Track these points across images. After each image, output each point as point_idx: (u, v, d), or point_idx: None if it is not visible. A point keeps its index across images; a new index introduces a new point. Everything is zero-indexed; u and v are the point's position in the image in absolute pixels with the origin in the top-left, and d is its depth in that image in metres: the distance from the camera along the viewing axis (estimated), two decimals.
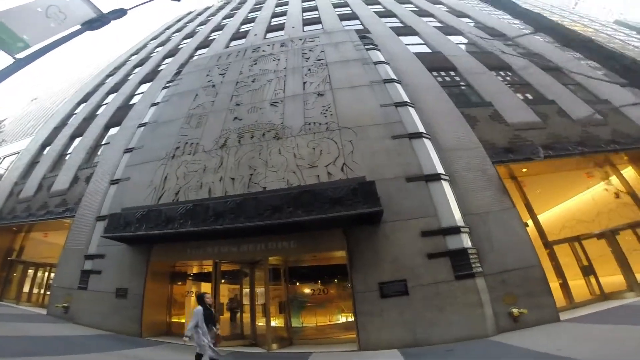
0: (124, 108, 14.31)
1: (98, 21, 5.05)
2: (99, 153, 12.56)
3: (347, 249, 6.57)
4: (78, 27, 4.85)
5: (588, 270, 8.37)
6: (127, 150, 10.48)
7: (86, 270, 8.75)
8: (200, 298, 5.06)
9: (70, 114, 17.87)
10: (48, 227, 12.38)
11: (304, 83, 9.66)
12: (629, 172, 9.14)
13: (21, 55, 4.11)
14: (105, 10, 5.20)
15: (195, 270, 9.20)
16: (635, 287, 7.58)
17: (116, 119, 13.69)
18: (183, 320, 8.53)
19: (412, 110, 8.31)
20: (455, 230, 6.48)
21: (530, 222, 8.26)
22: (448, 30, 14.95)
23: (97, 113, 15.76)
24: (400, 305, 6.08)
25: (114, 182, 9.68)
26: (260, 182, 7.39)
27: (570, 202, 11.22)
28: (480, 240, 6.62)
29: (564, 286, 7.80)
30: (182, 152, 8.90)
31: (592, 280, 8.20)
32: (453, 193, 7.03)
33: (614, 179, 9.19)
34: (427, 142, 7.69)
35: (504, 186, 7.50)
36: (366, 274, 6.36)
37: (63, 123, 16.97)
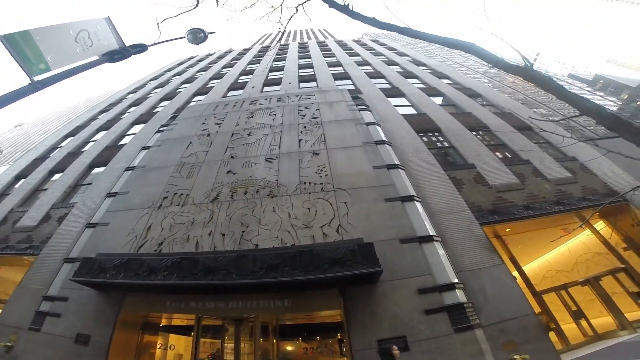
0: (113, 148, 13.99)
1: (120, 53, 4.98)
2: (78, 193, 11.88)
3: (344, 307, 6.42)
4: (98, 57, 4.75)
5: (578, 314, 8.64)
6: (110, 195, 9.99)
7: (42, 312, 7.81)
8: None
9: (54, 147, 17.24)
10: (3, 262, 11.12)
11: (300, 140, 9.92)
12: (600, 225, 9.81)
13: (39, 77, 3.89)
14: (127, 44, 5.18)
15: (171, 322, 8.43)
16: (627, 325, 7.79)
17: (102, 159, 13.27)
18: None
19: (402, 172, 8.63)
20: (450, 286, 6.57)
21: (516, 274, 8.57)
22: (431, 91, 16.32)
23: (84, 150, 15.29)
24: None
25: (90, 225, 9.08)
26: (253, 239, 7.13)
27: (549, 255, 11.74)
28: (475, 295, 6.75)
29: (558, 330, 7.94)
30: (170, 202, 8.55)
31: (584, 323, 8.45)
32: (445, 253, 7.19)
33: (587, 232, 9.81)
34: (419, 205, 7.89)
35: (492, 245, 7.80)
36: (364, 331, 6.14)
37: (45, 155, 16.25)
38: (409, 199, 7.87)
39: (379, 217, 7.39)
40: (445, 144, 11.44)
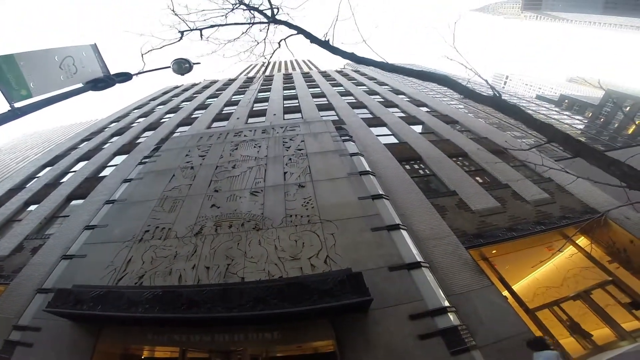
0: (93, 180, 13.60)
1: (104, 82, 4.85)
2: (54, 224, 11.35)
3: (336, 338, 6.22)
4: (81, 84, 4.61)
5: (575, 328, 8.67)
6: (89, 227, 9.59)
7: (12, 341, 7.18)
8: None
9: (31, 177, 16.64)
10: None
11: (285, 173, 10.01)
12: (582, 240, 10.18)
13: (19, 104, 3.70)
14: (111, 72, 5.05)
15: (153, 354, 7.80)
16: (626, 335, 7.88)
17: (82, 191, 12.84)
18: None
19: (387, 202, 8.81)
20: (442, 310, 6.53)
21: (507, 293, 8.67)
22: (411, 119, 17.11)
23: (62, 181, 14.79)
24: None
25: (66, 257, 8.62)
26: (239, 272, 6.91)
27: (537, 273, 11.96)
28: (468, 317, 6.71)
29: (557, 345, 7.88)
30: (151, 235, 8.26)
31: (581, 336, 8.46)
32: (434, 277, 7.23)
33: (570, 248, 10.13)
34: (405, 233, 8.00)
35: (479, 267, 7.94)
36: None
37: (21, 186, 15.60)
38: (395, 227, 7.98)
39: (366, 246, 7.40)
40: (427, 172, 11.85)
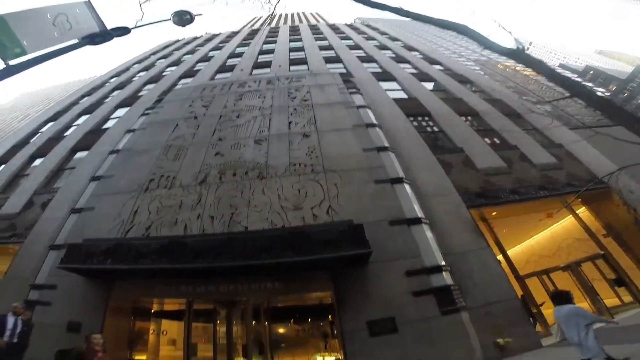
0: (96, 132, 13.44)
1: (101, 36, 4.80)
2: (61, 177, 11.45)
3: (334, 289, 6.44)
4: (77, 40, 4.60)
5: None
6: (95, 178, 9.63)
7: (31, 301, 7.51)
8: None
9: (34, 132, 16.49)
10: None
11: (290, 123, 9.72)
12: (582, 211, 10.13)
13: (15, 61, 3.78)
14: (108, 27, 4.97)
15: (163, 307, 8.34)
16: (604, 311, 8.16)
17: (86, 143, 12.76)
18: (144, 358, 7.56)
19: (392, 155, 8.61)
20: (437, 269, 6.66)
21: (501, 257, 8.74)
22: (422, 76, 16.18)
23: (65, 134, 14.67)
24: (390, 343, 5.91)
25: (75, 210, 8.74)
26: (242, 221, 7.01)
27: (533, 240, 12.15)
28: (462, 277, 6.87)
29: (539, 315, 8.20)
30: (156, 185, 8.30)
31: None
32: (433, 235, 7.26)
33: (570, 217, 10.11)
34: (408, 187, 7.92)
35: (478, 228, 7.94)
36: (354, 313, 6.20)
37: (25, 141, 15.54)
38: (399, 181, 7.86)
39: (368, 198, 7.37)
40: (435, 129, 11.45)
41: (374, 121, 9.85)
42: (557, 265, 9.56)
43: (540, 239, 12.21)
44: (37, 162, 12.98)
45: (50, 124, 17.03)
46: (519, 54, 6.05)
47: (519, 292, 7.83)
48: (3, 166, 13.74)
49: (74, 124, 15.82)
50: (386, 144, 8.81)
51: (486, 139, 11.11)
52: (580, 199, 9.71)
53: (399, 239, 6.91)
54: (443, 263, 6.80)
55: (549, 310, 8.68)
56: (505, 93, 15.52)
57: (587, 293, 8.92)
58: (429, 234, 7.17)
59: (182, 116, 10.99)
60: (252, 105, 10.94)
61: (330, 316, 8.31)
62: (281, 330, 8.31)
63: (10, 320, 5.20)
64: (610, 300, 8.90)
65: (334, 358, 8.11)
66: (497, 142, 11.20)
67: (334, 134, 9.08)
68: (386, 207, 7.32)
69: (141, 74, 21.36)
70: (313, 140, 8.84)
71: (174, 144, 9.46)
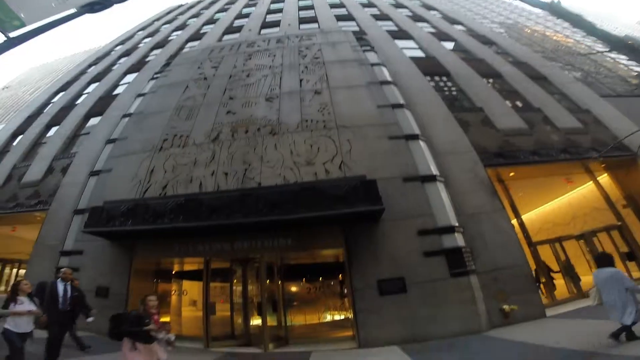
0: (107, 98, 13.68)
1: (100, 4, 4.61)
2: (77, 143, 11.90)
3: (346, 246, 6.59)
4: (75, 9, 4.46)
5: (569, 270, 8.86)
6: (110, 141, 9.98)
7: (61, 268, 8.17)
8: None
9: (46, 103, 16.92)
10: (17, 220, 11.51)
11: (301, 80, 9.58)
12: (604, 178, 9.83)
13: (15, 34, 3.80)
14: None
15: (183, 268, 8.86)
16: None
17: (98, 109, 13.06)
18: (168, 320, 8.14)
19: (407, 112, 8.44)
20: (450, 229, 6.67)
21: (515, 222, 8.63)
22: (441, 36, 15.36)
23: (77, 102, 15.00)
24: (398, 303, 6.15)
25: (94, 173, 9.17)
26: (255, 177, 7.20)
27: (549, 206, 11.98)
28: (474, 239, 6.87)
29: (547, 284, 8.21)
30: (170, 144, 8.55)
31: (571, 280, 8.71)
32: (447, 194, 7.21)
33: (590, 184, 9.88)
34: (423, 144, 7.83)
35: (494, 189, 7.82)
36: (365, 271, 6.41)
37: (38, 112, 16.04)
38: (414, 137, 7.78)
39: (382, 154, 7.35)
40: (454, 88, 11.08)
41: (389, 78, 9.58)
42: (571, 234, 9.39)
43: (556, 206, 11.94)
44: (53, 130, 13.40)
45: (61, 94, 17.38)
46: (554, 8, 5.64)
47: (530, 260, 7.78)
48: (20, 136, 14.38)
49: (84, 92, 16.08)
50: (401, 101, 8.61)
51: (508, 101, 10.74)
52: (603, 165, 9.48)
53: (412, 196, 6.92)
54: (456, 224, 6.80)
55: (559, 281, 8.84)
56: (531, 56, 14.71)
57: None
58: (443, 193, 7.14)
59: (191, 78, 11.01)
60: (262, 65, 10.78)
61: (340, 275, 8.64)
62: (293, 289, 8.69)
63: (61, 287, 5.01)
64: None
65: (343, 316, 8.57)
66: (520, 104, 10.83)
67: (346, 91, 8.93)
68: (400, 163, 7.29)
69: (146, 40, 21.12)
70: (325, 97, 8.73)
71: (185, 105, 9.58)
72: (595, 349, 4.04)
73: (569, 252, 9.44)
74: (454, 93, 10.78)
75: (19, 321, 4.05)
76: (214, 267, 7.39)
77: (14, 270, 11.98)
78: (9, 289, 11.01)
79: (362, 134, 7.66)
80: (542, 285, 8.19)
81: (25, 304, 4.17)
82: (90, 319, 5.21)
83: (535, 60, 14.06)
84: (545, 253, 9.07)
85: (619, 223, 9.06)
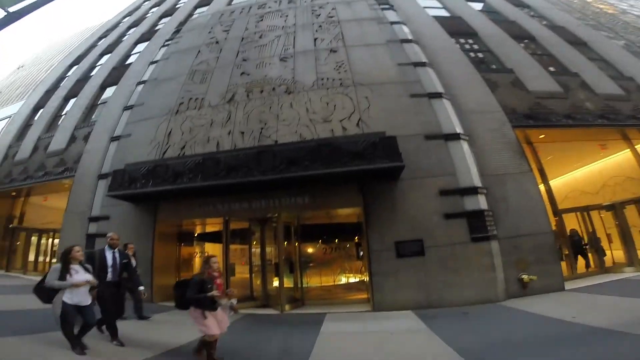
0: (120, 68, 13.98)
1: None
2: (95, 112, 12.39)
3: (364, 205, 6.63)
4: None
5: (593, 243, 8.62)
6: (127, 108, 10.36)
7: (91, 234, 8.79)
8: None
9: (62, 77, 17.57)
10: (47, 189, 12.35)
11: (315, 39, 9.44)
12: None
13: (14, 8, 3.92)
14: None
15: (204, 229, 9.30)
16: (635, 261, 7.88)
17: (112, 79, 13.43)
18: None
19: (430, 71, 8.22)
20: (473, 190, 6.56)
21: (542, 187, 8.33)
22: None
23: (91, 74, 15.46)
24: (415, 266, 6.18)
25: (114, 139, 9.63)
26: (272, 135, 7.33)
27: (578, 172, 11.59)
28: (497, 202, 6.73)
29: (568, 256, 8.06)
30: (186, 107, 8.78)
31: (593, 253, 8.49)
32: (472, 154, 7.08)
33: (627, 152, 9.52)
34: (447, 103, 7.65)
35: (522, 150, 7.61)
36: (382, 232, 6.45)
37: (55, 86, 16.72)
38: (437, 95, 7.60)
39: (402, 112, 7.25)
40: (482, 49, 10.62)
41: (410, 37, 9.24)
42: (600, 204, 9.03)
43: (586, 173, 11.45)
44: (71, 102, 13.96)
45: (74, 67, 17.90)
46: None
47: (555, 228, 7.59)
48: (41, 110, 15.12)
49: (97, 64, 16.50)
50: (424, 60, 8.37)
51: (542, 64, 10.23)
52: None
53: (434, 155, 6.84)
54: (479, 184, 6.66)
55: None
56: (570, 21, 13.77)
57: (624, 240, 8.33)
58: (467, 152, 6.99)
59: (203, 43, 11.04)
60: (275, 25, 10.63)
61: (357, 237, 8.79)
62: (310, 250, 8.97)
63: (109, 256, 4.54)
64: None
65: (358, 279, 8.77)
66: (555, 68, 10.26)
67: (363, 49, 8.73)
68: (422, 121, 7.18)
69: (154, 9, 21.08)
70: (341, 55, 8.60)
71: (198, 69, 9.70)
72: (612, 326, 3.99)
73: (597, 224, 9.10)
74: (482, 54, 10.35)
75: (76, 292, 3.69)
76: (233, 227, 7.68)
77: (50, 241, 12.95)
78: (55, 258, 11.13)
79: (381, 91, 7.55)
80: (564, 257, 7.99)
81: (80, 273, 3.80)
82: (141, 288, 5.01)
83: (574, 25, 13.21)
84: (570, 223, 8.82)
85: None
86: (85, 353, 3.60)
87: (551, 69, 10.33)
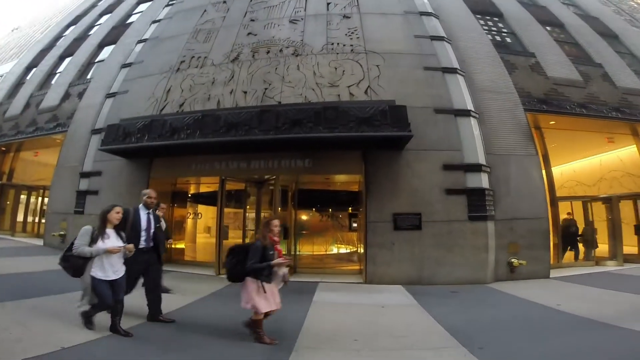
0: (120, 27, 13.82)
1: None
2: (92, 70, 12.32)
3: (365, 173, 6.72)
4: None
5: (589, 234, 8.79)
6: (125, 66, 10.34)
7: (82, 191, 8.84)
8: None
9: (58, 37, 17.37)
10: (38, 144, 12.40)
11: (328, 4, 9.25)
12: None
13: None
14: None
15: (198, 189, 9.39)
16: (618, 256, 8.23)
17: (111, 38, 13.29)
18: (183, 247, 8.83)
19: (448, 46, 8.19)
20: (477, 167, 6.70)
21: (543, 173, 8.44)
22: None
23: (90, 33, 15.31)
24: (411, 241, 6.32)
25: (110, 95, 9.64)
26: (275, 96, 7.30)
27: (578, 163, 11.85)
28: (498, 183, 6.90)
29: (557, 245, 8.21)
30: (187, 65, 8.73)
31: (586, 243, 8.79)
32: (480, 132, 7.18)
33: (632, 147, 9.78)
34: (461, 79, 7.66)
35: (531, 133, 7.74)
36: (382, 203, 6.56)
37: (51, 45, 16.59)
38: (452, 71, 7.61)
39: (414, 84, 7.26)
40: (505, 30, 10.55)
41: (429, 10, 9.11)
42: (597, 195, 9.34)
43: (585, 165, 11.77)
44: (67, 60, 13.85)
45: (72, 27, 17.69)
46: None
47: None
48: (35, 69, 15.01)
49: (96, 24, 16.31)
50: (442, 34, 8.31)
51: (565, 52, 10.20)
52: None
53: (442, 129, 6.91)
54: (484, 162, 6.80)
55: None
56: (604, 12, 13.63)
57: (613, 234, 8.59)
58: (476, 129, 7.08)
59: (209, 2, 10.84)
60: None
61: (350, 208, 8.87)
62: (305, 217, 9.09)
63: (144, 217, 3.89)
64: (629, 248, 8.74)
65: (351, 250, 8.83)
66: (579, 56, 10.23)
67: (379, 17, 8.61)
68: (433, 95, 7.20)
69: None
70: (354, 21, 8.48)
71: (203, 28, 9.59)
72: (595, 317, 4.13)
73: (590, 216, 9.27)
74: (504, 35, 10.31)
75: (107, 262, 3.18)
76: (228, 188, 7.67)
77: (39, 199, 12.95)
78: (44, 218, 11.15)
79: (394, 61, 7.51)
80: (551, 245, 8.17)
81: (112, 238, 3.28)
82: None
83: (608, 17, 13.10)
84: (563, 212, 9.03)
85: None
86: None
87: (575, 55, 10.33)
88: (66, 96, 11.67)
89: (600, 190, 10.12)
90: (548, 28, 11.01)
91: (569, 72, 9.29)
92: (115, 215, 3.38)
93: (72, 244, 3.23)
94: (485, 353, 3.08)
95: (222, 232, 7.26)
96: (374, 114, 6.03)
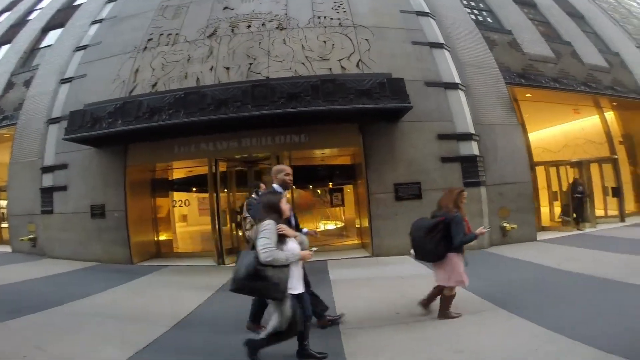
0: (68, 9, 12.85)
1: None
2: (38, 56, 11.44)
3: (364, 144, 6.94)
4: None
5: (557, 197, 9.70)
6: (80, 48, 9.67)
7: (47, 188, 8.18)
8: None
9: None
10: None
11: None
12: (610, 115, 11.29)
13: None
14: None
15: (181, 174, 9.09)
16: (591, 219, 9.09)
17: (58, 21, 12.36)
18: (171, 239, 8.52)
19: (433, 22, 8.58)
20: (468, 136, 7.23)
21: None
22: None
23: (29, 18, 14.11)
24: (413, 210, 6.37)
25: (65, 80, 9.00)
26: (262, 72, 7.17)
27: (544, 132, 12.85)
28: (487, 150, 7.50)
29: (537, 209, 8.89)
30: (156, 43, 8.30)
31: (557, 207, 9.68)
32: (468, 103, 7.70)
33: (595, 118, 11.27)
34: (447, 54, 8.09)
35: (512, 105, 8.48)
36: (381, 174, 6.82)
37: None
38: (438, 45, 7.99)
39: (404, 58, 7.54)
40: (483, 7, 11.21)
41: None
42: (570, 159, 10.31)
43: (550, 133, 12.94)
44: (4, 48, 12.70)
45: (6, 14, 16.22)
46: None
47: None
48: None
49: (36, 7, 15.05)
50: (426, 9, 8.68)
51: (539, 30, 11.09)
52: (615, 103, 11.02)
53: (434, 100, 7.29)
54: (473, 131, 7.33)
55: (544, 209, 9.55)
56: None
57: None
58: (464, 101, 7.56)
59: None
60: None
61: (351, 184, 8.92)
62: (304, 194, 9.24)
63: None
64: (600, 211, 9.72)
65: (350, 224, 8.86)
66: (550, 34, 11.24)
67: None
68: (422, 68, 7.54)
69: None
70: None
71: (170, 5, 9.12)
72: (598, 274, 4.45)
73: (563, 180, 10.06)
74: (484, 12, 11.00)
75: (295, 270, 2.51)
76: (221, 169, 7.37)
77: None
78: (5, 222, 10.92)
79: (383, 35, 7.73)
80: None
81: (291, 240, 2.56)
82: None
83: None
84: (540, 177, 9.74)
85: (615, 156, 10.33)
86: None
87: (547, 33, 11.30)
88: (9, 85, 10.82)
89: (565, 155, 11.14)
90: (523, 9, 11.95)
91: (543, 49, 10.21)
92: (287, 206, 2.67)
93: (253, 247, 2.45)
94: (526, 314, 3.19)
95: (220, 219, 7.01)
96: (373, 86, 6.20)
